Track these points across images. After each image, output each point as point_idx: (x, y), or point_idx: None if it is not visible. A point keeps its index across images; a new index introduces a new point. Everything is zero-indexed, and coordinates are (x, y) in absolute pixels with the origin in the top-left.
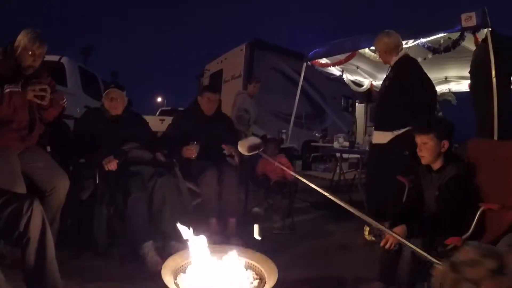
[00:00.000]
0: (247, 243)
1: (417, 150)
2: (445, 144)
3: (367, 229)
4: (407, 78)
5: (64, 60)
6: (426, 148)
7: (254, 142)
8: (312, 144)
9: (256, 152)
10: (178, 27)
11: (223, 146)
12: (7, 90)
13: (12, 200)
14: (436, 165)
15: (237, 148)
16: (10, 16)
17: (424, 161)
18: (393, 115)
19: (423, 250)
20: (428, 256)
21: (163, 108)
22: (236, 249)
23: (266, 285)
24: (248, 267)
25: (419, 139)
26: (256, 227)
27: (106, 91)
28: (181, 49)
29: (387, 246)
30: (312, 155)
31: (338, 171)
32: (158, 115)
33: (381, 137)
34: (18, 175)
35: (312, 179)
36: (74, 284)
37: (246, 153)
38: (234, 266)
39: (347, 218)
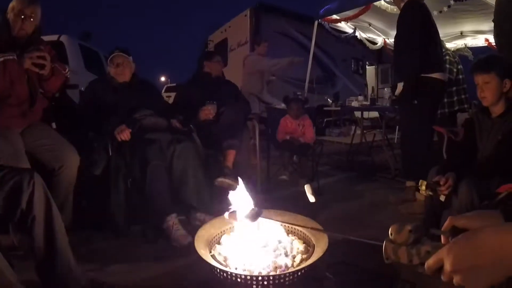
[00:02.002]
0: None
1: (478, 91)
2: (507, 83)
3: (423, 183)
4: (400, 23)
5: (64, 38)
6: (488, 88)
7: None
8: (325, 108)
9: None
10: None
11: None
12: (1, 59)
13: (11, 174)
14: (498, 109)
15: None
16: None
17: (485, 103)
18: (399, 64)
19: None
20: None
21: (168, 85)
22: (273, 212)
23: (316, 248)
24: (289, 231)
25: (480, 79)
26: (307, 188)
27: (110, 57)
28: (181, 23)
29: (445, 192)
30: (325, 120)
31: (358, 132)
32: (164, 91)
33: (398, 89)
34: (22, 155)
35: (329, 144)
36: (94, 268)
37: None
38: (274, 232)
39: (372, 178)
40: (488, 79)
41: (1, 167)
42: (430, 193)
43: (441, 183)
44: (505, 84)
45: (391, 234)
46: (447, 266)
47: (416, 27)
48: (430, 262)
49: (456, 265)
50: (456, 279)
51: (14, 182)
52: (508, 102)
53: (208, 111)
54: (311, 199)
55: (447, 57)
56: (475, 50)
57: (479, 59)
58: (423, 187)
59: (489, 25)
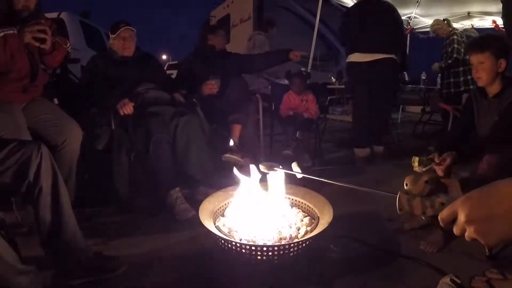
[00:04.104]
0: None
1: (473, 71)
2: (502, 63)
3: (416, 159)
4: None
5: (64, 15)
6: (483, 68)
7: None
8: (329, 86)
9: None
10: None
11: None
12: (1, 34)
13: (19, 146)
14: (494, 89)
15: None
16: None
17: (481, 83)
18: None
19: None
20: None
21: (170, 63)
22: (277, 185)
23: (321, 220)
24: (294, 204)
25: (475, 59)
26: (294, 166)
27: (118, 32)
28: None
29: (441, 174)
30: (328, 98)
31: None
32: (166, 69)
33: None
34: (24, 131)
35: (331, 122)
36: (98, 243)
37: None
38: (279, 204)
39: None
40: (482, 59)
41: (8, 140)
42: (424, 169)
43: (436, 160)
44: (500, 64)
45: (406, 184)
46: (462, 217)
47: None
48: (444, 213)
49: (471, 215)
50: (469, 232)
51: (22, 154)
52: (504, 82)
53: (212, 86)
54: (298, 175)
55: (455, 37)
56: (482, 31)
57: (474, 38)
58: (416, 164)
59: (497, 7)
